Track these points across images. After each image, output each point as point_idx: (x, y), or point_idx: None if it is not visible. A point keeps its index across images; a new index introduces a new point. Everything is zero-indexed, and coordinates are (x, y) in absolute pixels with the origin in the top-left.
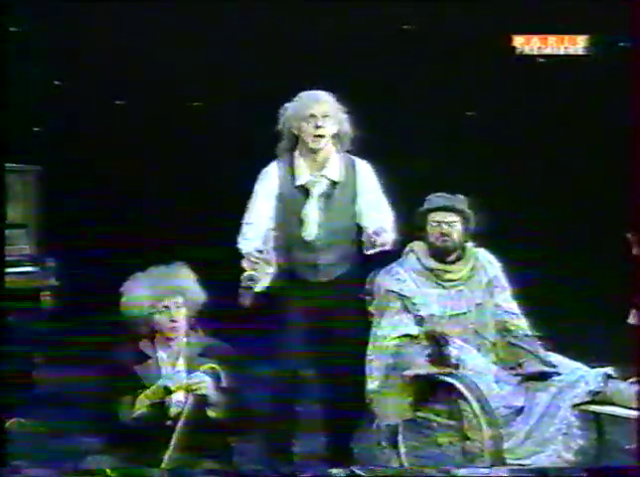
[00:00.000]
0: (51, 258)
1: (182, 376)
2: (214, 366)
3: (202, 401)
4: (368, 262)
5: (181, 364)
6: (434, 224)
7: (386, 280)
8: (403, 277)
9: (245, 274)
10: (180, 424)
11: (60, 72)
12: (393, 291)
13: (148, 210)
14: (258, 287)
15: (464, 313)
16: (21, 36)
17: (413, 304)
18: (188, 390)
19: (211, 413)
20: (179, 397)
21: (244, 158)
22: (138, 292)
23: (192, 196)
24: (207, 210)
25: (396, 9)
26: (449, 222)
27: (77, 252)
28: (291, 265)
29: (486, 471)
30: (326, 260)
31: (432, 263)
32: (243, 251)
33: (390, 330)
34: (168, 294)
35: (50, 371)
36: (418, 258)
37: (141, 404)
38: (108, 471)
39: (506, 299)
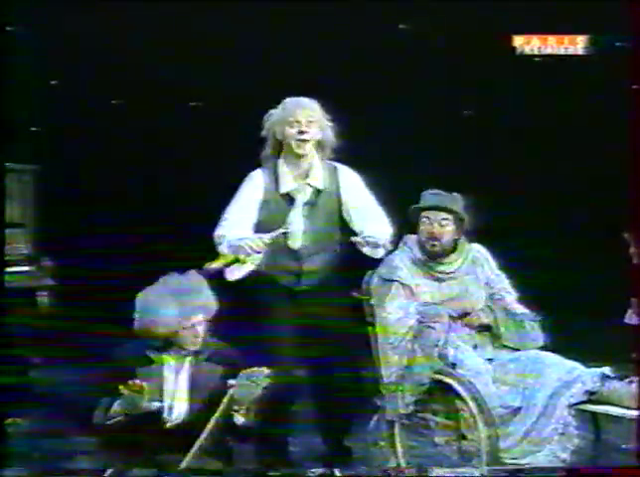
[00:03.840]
0: (48, 258)
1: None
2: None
3: (234, 405)
4: (351, 269)
5: (186, 367)
6: (426, 220)
7: (383, 270)
8: (400, 266)
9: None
10: (210, 427)
11: (58, 71)
12: (392, 280)
13: (147, 209)
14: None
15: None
16: (20, 36)
17: (412, 293)
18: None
19: (238, 420)
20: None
21: (245, 158)
22: (165, 312)
23: (192, 195)
24: (207, 210)
25: (393, 8)
26: (441, 219)
27: (74, 252)
28: (275, 272)
29: (465, 470)
30: (310, 268)
31: (424, 257)
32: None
33: (399, 314)
34: (195, 312)
35: (47, 370)
36: (411, 250)
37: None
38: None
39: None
